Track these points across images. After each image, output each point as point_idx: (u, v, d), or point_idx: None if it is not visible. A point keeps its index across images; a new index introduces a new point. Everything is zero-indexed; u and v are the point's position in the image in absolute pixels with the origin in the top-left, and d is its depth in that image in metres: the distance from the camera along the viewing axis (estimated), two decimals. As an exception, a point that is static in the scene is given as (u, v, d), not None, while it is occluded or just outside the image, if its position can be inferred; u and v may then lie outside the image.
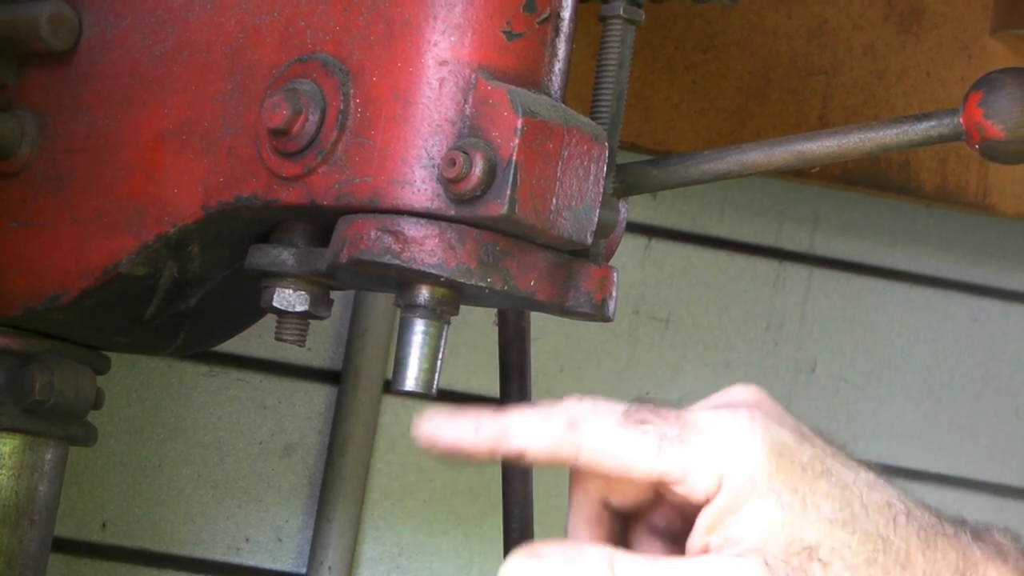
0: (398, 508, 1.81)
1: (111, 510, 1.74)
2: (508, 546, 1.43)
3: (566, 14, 1.02)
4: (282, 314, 1.08)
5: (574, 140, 0.97)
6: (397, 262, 0.96)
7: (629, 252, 1.87)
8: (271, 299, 1.07)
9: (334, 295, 1.11)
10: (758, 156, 1.09)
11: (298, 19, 1.04)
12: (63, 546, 1.71)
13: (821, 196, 1.91)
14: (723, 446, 0.85)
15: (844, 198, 1.90)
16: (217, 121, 1.08)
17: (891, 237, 1.94)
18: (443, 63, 0.98)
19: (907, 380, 1.94)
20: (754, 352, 1.89)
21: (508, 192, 0.94)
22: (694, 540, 0.86)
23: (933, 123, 1.05)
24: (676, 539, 0.90)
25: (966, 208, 1.80)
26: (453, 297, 0.99)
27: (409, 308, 1.00)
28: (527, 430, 0.88)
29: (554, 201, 0.96)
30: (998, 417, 1.95)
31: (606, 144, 1.00)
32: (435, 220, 0.97)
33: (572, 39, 1.03)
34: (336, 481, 1.76)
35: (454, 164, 0.94)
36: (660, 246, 1.89)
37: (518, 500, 1.41)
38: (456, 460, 0.89)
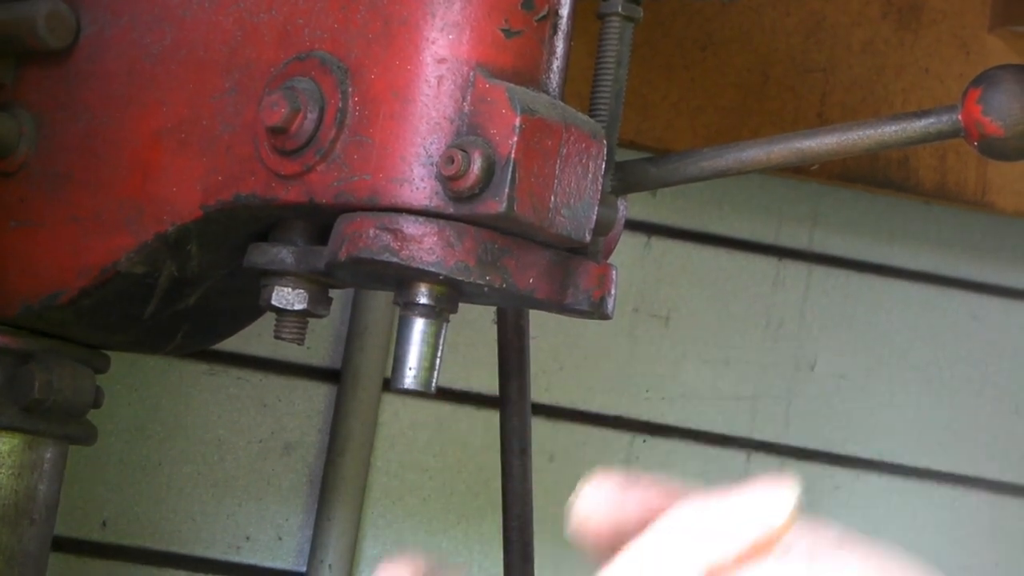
0: (398, 506, 1.81)
1: (111, 509, 1.74)
2: (508, 544, 1.43)
3: (564, 11, 1.02)
4: (281, 312, 1.08)
5: (573, 138, 0.97)
6: (396, 260, 0.96)
7: (628, 250, 1.87)
8: (270, 297, 1.07)
9: (333, 293, 1.11)
10: (757, 153, 1.09)
11: (296, 17, 1.04)
12: (63, 545, 1.71)
13: (820, 193, 1.91)
14: None
15: (843, 195, 1.90)
16: (215, 120, 1.08)
17: (890, 234, 1.94)
18: (441, 61, 0.98)
19: (906, 378, 1.94)
20: (754, 350, 1.89)
21: (507, 190, 0.94)
22: None
23: (932, 120, 1.05)
24: None
25: (965, 205, 1.80)
26: (452, 295, 0.99)
27: (408, 306, 1.00)
28: None
29: (553, 199, 0.96)
30: (998, 415, 1.95)
31: (604, 142, 1.00)
32: (434, 218, 0.97)
33: (570, 37, 1.03)
34: (336, 480, 1.76)
35: (452, 162, 0.94)
36: (659, 244, 1.89)
37: (517, 498, 1.41)
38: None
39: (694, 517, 0.70)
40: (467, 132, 0.96)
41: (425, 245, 0.96)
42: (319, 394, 1.80)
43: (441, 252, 0.96)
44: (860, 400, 1.92)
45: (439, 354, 1.00)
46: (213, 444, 1.77)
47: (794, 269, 1.92)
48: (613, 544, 0.71)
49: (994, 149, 1.03)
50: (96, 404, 1.27)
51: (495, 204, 0.94)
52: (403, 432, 1.82)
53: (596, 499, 0.73)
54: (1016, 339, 1.97)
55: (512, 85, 0.97)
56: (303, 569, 1.78)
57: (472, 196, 0.95)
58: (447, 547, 1.81)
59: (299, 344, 1.11)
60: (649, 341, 1.88)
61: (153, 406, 1.76)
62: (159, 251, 1.12)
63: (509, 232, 0.97)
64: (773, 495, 0.69)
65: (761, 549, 0.69)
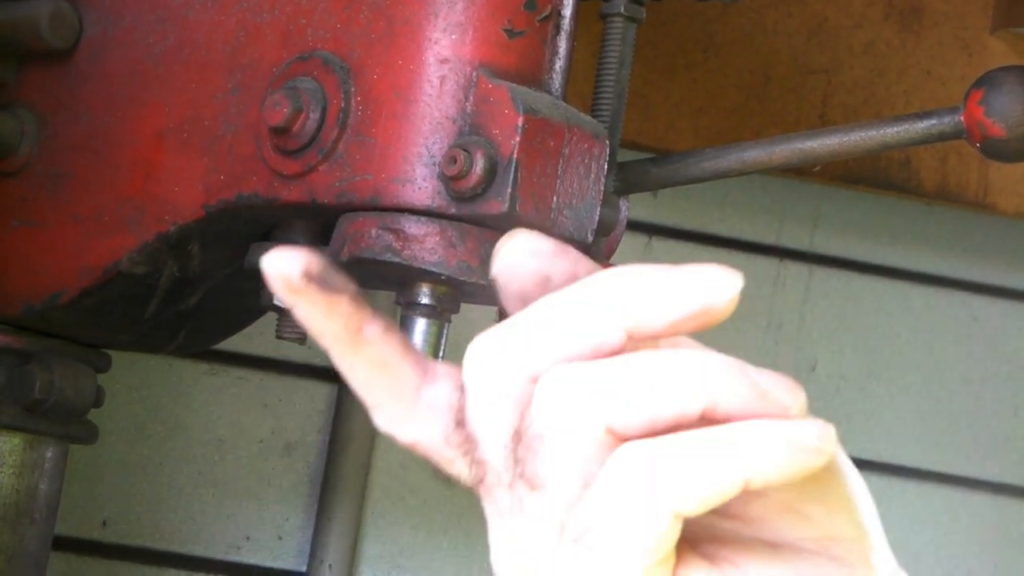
0: (399, 506, 1.81)
1: (111, 508, 1.74)
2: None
3: (567, 12, 1.02)
4: (283, 312, 1.08)
5: (575, 138, 0.97)
6: (398, 260, 0.96)
7: (629, 250, 1.86)
8: (271, 297, 1.07)
9: (335, 293, 1.10)
10: (759, 154, 1.09)
11: (299, 17, 1.04)
12: (63, 544, 1.71)
13: (821, 195, 1.91)
14: None
15: (844, 197, 1.89)
16: (218, 119, 1.08)
17: (891, 236, 1.94)
18: (444, 61, 0.98)
19: (907, 379, 1.93)
20: (754, 351, 1.89)
21: (509, 190, 0.94)
22: None
23: (934, 121, 1.05)
24: None
25: (967, 207, 1.80)
26: (454, 295, 0.99)
27: (410, 306, 1.00)
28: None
29: (555, 199, 0.96)
30: (998, 416, 1.95)
31: (607, 142, 1.00)
32: (436, 218, 0.97)
33: (573, 37, 1.03)
34: (336, 479, 1.76)
35: (455, 162, 0.94)
36: (660, 244, 1.89)
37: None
38: None
39: (629, 278, 0.64)
40: (469, 132, 0.96)
41: (427, 245, 0.96)
42: (320, 394, 1.80)
43: (443, 252, 0.96)
44: (860, 401, 1.92)
45: (441, 354, 1.00)
46: (213, 444, 1.77)
47: (795, 270, 1.92)
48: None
49: (996, 150, 1.03)
50: (97, 404, 1.27)
51: (497, 204, 0.94)
52: (404, 432, 1.82)
53: (525, 251, 0.66)
54: (1017, 341, 1.97)
55: (514, 85, 0.97)
56: (303, 569, 1.78)
57: (474, 196, 0.95)
58: (448, 547, 1.81)
59: (301, 344, 1.11)
60: (650, 342, 1.87)
61: (154, 406, 1.76)
62: (160, 251, 1.12)
63: (511, 232, 0.97)
64: (719, 276, 0.65)
65: (693, 325, 0.64)
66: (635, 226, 1.86)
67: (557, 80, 1.01)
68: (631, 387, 0.62)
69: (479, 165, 0.94)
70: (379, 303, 1.78)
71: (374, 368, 0.66)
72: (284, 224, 1.08)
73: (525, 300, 0.66)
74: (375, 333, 0.65)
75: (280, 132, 1.01)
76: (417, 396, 0.67)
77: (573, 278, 0.65)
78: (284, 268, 0.63)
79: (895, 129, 1.06)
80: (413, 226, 0.97)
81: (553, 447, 0.62)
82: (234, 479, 1.77)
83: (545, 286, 0.66)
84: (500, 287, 0.67)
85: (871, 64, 1.74)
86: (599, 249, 1.05)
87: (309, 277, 0.63)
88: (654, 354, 0.63)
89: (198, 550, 1.76)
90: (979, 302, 1.96)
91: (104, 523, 1.74)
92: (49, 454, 1.25)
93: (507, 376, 0.64)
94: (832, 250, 1.93)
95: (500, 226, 0.97)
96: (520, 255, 0.66)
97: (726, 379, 0.63)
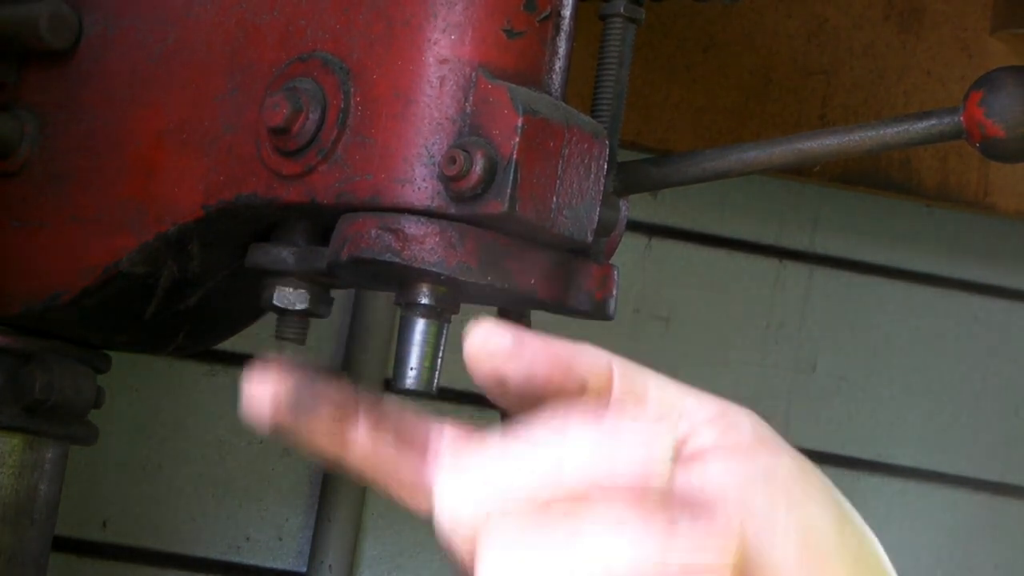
0: (398, 507, 1.81)
1: (111, 509, 1.74)
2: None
3: (567, 12, 1.02)
4: (282, 312, 1.08)
5: (575, 138, 0.97)
6: (398, 260, 0.96)
7: (630, 251, 1.86)
8: (271, 298, 1.07)
9: (334, 294, 1.11)
10: (758, 155, 1.09)
11: (298, 18, 1.04)
12: (63, 545, 1.71)
13: (822, 195, 1.91)
14: None
15: (845, 197, 1.90)
16: (217, 120, 1.08)
17: (891, 236, 1.94)
18: (444, 61, 0.98)
19: (907, 379, 1.93)
20: (754, 351, 1.89)
21: (508, 190, 0.94)
22: None
23: (934, 122, 1.05)
24: None
25: (967, 207, 1.80)
26: (453, 295, 0.99)
27: (409, 307, 1.00)
28: None
29: (555, 199, 0.96)
30: (999, 416, 1.95)
31: (606, 142, 1.00)
32: (436, 218, 0.97)
33: (572, 37, 1.03)
34: (336, 480, 1.76)
35: (454, 162, 0.94)
36: (661, 245, 1.89)
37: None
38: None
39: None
40: (469, 132, 0.96)
41: (427, 245, 0.96)
42: (320, 395, 1.80)
43: (443, 252, 0.96)
44: (860, 402, 1.92)
45: (440, 354, 1.00)
46: (213, 445, 1.77)
47: (795, 270, 1.92)
48: (521, 390, 0.69)
49: (996, 150, 1.03)
50: (97, 404, 1.27)
51: (497, 204, 0.94)
52: (404, 433, 1.82)
53: (482, 351, 0.68)
54: (1017, 341, 1.97)
55: (514, 86, 0.97)
56: (303, 569, 1.78)
57: (474, 196, 0.95)
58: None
59: (300, 344, 1.11)
60: (650, 342, 1.87)
61: (154, 406, 1.76)
62: (160, 251, 1.12)
63: (511, 233, 0.97)
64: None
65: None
66: (635, 226, 1.87)
67: (557, 80, 1.01)
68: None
69: (479, 165, 0.94)
70: (379, 302, 1.78)
71: (367, 466, 0.70)
72: (284, 225, 1.08)
73: (490, 388, 0.69)
74: (363, 435, 0.69)
75: (279, 133, 1.01)
76: (420, 479, 0.72)
77: (529, 379, 0.68)
78: (257, 404, 0.65)
79: (895, 129, 1.06)
80: (413, 226, 0.97)
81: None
82: (234, 479, 1.77)
83: (503, 387, 0.69)
84: (470, 370, 0.69)
85: (871, 65, 1.74)
86: (599, 249, 1.05)
87: (278, 414, 0.66)
88: None
89: (198, 551, 1.76)
90: (979, 302, 1.96)
91: (104, 524, 1.74)
92: (49, 455, 1.25)
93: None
94: (832, 250, 1.93)
95: (500, 226, 0.97)
96: (477, 352, 0.69)
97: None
